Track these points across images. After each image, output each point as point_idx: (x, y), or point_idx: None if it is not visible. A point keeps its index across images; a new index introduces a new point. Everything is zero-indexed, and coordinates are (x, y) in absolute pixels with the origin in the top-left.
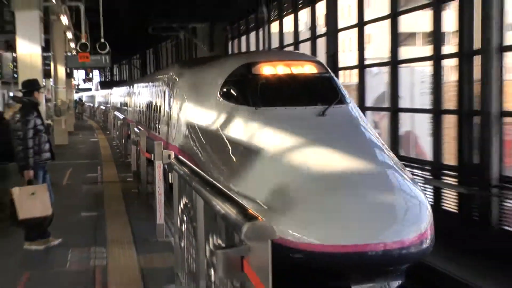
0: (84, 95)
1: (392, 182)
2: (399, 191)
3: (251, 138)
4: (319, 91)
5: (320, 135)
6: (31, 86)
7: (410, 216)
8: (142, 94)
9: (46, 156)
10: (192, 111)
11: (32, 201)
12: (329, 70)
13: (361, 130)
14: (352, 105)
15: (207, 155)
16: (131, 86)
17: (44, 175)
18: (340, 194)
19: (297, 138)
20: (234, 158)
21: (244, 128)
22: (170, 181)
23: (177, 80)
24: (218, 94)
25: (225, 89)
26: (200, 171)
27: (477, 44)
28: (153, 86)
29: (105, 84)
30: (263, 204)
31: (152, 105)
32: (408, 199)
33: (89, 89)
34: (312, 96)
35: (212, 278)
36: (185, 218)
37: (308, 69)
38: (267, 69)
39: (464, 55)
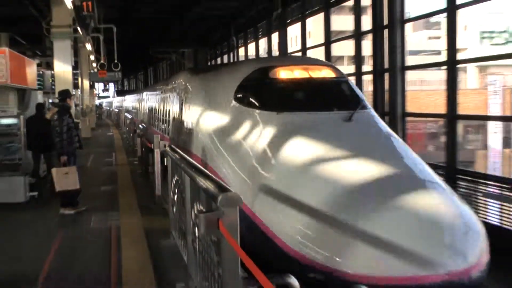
0: (104, 101)
1: (445, 202)
2: (454, 212)
3: (276, 145)
4: (339, 96)
5: (354, 143)
6: (65, 94)
7: (470, 239)
8: (150, 100)
9: (76, 145)
10: (205, 116)
11: (66, 179)
12: (345, 75)
13: (392, 137)
14: (373, 111)
15: (225, 162)
16: (141, 94)
17: (74, 159)
18: (395, 217)
19: (329, 146)
20: (260, 167)
21: (267, 134)
22: (165, 164)
23: (188, 86)
24: (233, 99)
25: (240, 94)
26: (187, 157)
27: (386, 64)
28: (161, 92)
29: (120, 92)
30: (302, 229)
31: (160, 110)
32: (464, 220)
33: (108, 96)
34: (334, 101)
35: (196, 234)
36: (176, 190)
37: (326, 73)
38: (284, 73)
39: (377, 72)
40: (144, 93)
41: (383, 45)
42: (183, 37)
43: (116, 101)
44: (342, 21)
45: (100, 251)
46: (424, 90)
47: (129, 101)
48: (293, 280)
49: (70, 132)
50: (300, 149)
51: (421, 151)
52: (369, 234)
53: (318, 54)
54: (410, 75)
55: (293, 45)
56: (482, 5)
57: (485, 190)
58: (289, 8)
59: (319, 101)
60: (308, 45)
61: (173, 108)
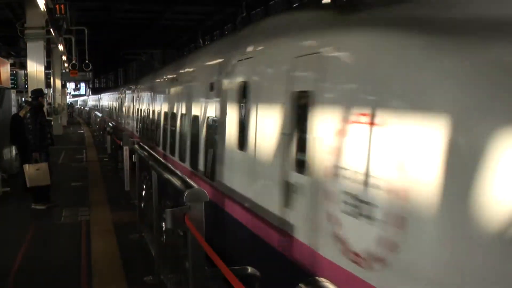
0: (79, 100)
1: None
2: None
3: None
4: None
5: None
6: (38, 93)
7: None
8: (143, 99)
9: (48, 142)
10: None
11: (37, 175)
12: None
13: None
14: None
15: None
16: (126, 91)
17: (47, 156)
18: None
19: None
20: None
21: None
22: (133, 160)
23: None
24: None
25: None
26: (154, 153)
27: None
28: (168, 83)
29: (97, 90)
30: None
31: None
32: None
33: (83, 95)
34: None
35: (164, 229)
36: (144, 186)
37: None
38: None
39: None
40: (142, 87)
41: None
42: (153, 39)
43: (92, 100)
44: None
45: (71, 245)
46: None
47: (110, 99)
48: (255, 271)
49: (43, 129)
50: None
51: None
52: None
53: None
54: None
55: None
56: None
57: None
58: (253, 12)
59: None
60: None
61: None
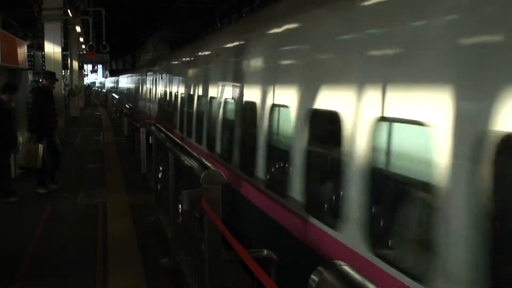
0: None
1: None
2: None
3: None
4: None
5: None
6: (49, 74)
7: None
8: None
9: (51, 126)
10: None
11: (28, 156)
12: None
13: None
14: None
15: None
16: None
17: (52, 139)
18: None
19: None
20: None
21: None
22: (150, 142)
23: None
24: None
25: None
26: (171, 135)
27: None
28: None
29: (150, 65)
30: None
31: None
32: None
33: (122, 70)
34: None
35: (180, 211)
36: (160, 168)
37: None
38: None
39: None
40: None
41: None
42: (170, 21)
43: (132, 78)
44: None
45: (87, 227)
46: None
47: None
48: (271, 254)
49: (46, 112)
50: None
51: None
52: None
53: None
54: None
55: None
56: None
57: None
58: None
59: None
60: None
61: None
